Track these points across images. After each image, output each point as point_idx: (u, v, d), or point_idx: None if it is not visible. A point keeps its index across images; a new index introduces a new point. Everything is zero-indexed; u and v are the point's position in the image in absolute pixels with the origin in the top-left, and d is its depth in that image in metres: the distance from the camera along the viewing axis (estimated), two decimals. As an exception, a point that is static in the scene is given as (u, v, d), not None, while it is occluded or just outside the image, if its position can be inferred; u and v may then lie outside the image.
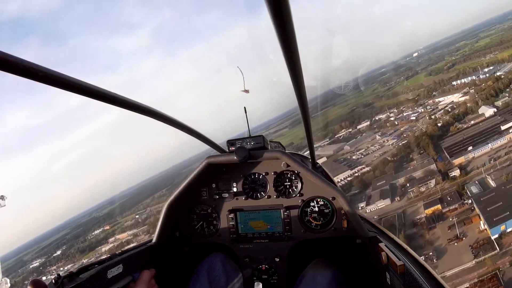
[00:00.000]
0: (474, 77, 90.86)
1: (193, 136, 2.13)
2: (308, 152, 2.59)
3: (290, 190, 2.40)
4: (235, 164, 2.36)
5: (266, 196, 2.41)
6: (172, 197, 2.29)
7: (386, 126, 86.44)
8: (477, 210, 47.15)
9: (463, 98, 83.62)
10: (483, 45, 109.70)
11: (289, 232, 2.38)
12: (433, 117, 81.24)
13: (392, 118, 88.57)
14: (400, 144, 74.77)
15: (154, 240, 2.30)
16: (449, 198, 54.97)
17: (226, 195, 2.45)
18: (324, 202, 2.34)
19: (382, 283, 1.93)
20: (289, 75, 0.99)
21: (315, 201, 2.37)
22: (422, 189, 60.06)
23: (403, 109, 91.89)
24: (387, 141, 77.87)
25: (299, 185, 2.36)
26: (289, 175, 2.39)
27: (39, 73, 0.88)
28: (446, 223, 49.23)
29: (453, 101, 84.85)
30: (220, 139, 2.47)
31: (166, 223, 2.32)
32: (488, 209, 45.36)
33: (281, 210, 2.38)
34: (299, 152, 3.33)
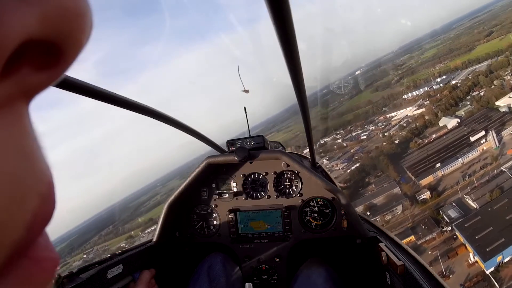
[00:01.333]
0: (426, 88, 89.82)
1: (193, 136, 2.16)
2: (308, 152, 2.60)
3: (290, 190, 2.40)
4: (235, 164, 2.37)
5: (266, 196, 2.41)
6: (172, 197, 2.28)
7: (334, 149, 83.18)
8: (461, 238, 41.22)
9: (418, 111, 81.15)
10: (431, 56, 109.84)
11: (289, 232, 2.38)
12: (387, 134, 78.07)
13: (339, 140, 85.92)
14: (352, 167, 70.89)
15: (154, 240, 2.28)
16: (423, 227, 50.37)
17: (226, 195, 2.43)
18: (324, 202, 2.36)
19: (382, 283, 1.93)
20: (289, 75, 0.99)
21: (315, 201, 2.38)
22: (388, 217, 55.06)
23: (351, 128, 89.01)
24: (336, 165, 73.56)
25: (299, 185, 2.37)
26: (289, 175, 2.40)
27: None
28: (425, 257, 40.87)
29: (407, 115, 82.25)
30: (220, 139, 2.49)
31: (166, 223, 2.30)
32: (476, 237, 39.30)
33: (281, 210, 2.38)
34: (299, 152, 3.33)
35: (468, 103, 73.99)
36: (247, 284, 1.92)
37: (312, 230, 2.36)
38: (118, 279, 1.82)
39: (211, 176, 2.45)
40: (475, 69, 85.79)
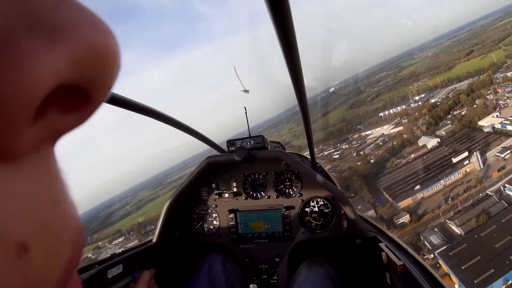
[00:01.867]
0: (404, 106, 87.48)
1: (193, 136, 2.16)
2: (308, 152, 2.61)
3: (290, 190, 2.41)
4: (235, 164, 2.36)
5: (266, 196, 2.42)
6: (172, 197, 2.28)
7: (303, 169, 75.38)
8: (445, 268, 36.84)
9: (395, 130, 78.64)
10: (408, 74, 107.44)
11: (289, 232, 2.38)
12: (361, 153, 76.00)
13: (310, 159, 77.51)
14: (323, 188, 62.88)
15: (154, 240, 2.27)
16: (402, 254, 43.34)
17: (226, 195, 2.44)
18: (324, 202, 2.36)
19: (382, 283, 1.93)
20: (289, 75, 0.99)
21: (315, 201, 2.38)
22: (361, 243, 48.07)
23: (323, 147, 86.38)
24: (306, 186, 65.46)
25: (299, 185, 2.38)
26: (289, 175, 2.41)
27: None
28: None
29: (383, 133, 79.60)
30: (221, 140, 2.49)
31: (166, 223, 2.29)
32: (462, 267, 35.33)
33: (281, 210, 2.38)
34: (299, 152, 3.34)
35: (449, 122, 71.72)
36: (251, 286, 2.01)
37: (312, 230, 2.36)
38: (118, 279, 1.80)
39: (211, 176, 2.45)
40: (455, 87, 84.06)
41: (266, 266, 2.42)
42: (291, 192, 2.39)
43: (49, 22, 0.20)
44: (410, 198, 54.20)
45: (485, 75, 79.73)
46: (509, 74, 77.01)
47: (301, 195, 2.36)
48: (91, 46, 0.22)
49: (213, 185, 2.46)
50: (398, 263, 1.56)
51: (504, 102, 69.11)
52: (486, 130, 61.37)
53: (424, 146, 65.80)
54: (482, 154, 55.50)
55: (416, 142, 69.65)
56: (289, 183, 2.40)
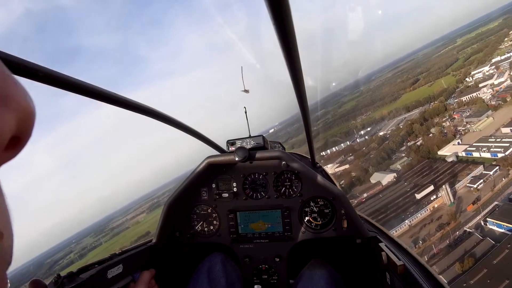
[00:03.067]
0: (349, 142, 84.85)
1: (193, 136, 2.15)
2: (308, 152, 2.62)
3: (290, 190, 2.39)
4: (235, 164, 2.35)
5: (266, 196, 2.40)
6: (172, 197, 2.25)
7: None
8: None
9: (341, 168, 74.97)
10: (350, 108, 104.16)
11: (289, 232, 2.37)
12: None
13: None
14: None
15: (154, 240, 2.25)
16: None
17: (226, 195, 2.41)
18: (324, 202, 2.35)
19: (382, 283, 1.94)
20: (289, 75, 1.00)
21: (315, 201, 2.37)
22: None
23: None
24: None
25: (299, 185, 2.37)
26: (289, 175, 2.40)
27: (39, 73, 0.90)
28: None
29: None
30: (220, 140, 2.46)
31: (166, 223, 2.27)
32: None
33: (281, 210, 2.37)
34: (299, 152, 3.33)
35: (404, 154, 68.25)
36: (256, 287, 2.09)
37: (312, 230, 2.34)
38: (118, 279, 1.80)
39: (211, 176, 2.43)
40: (405, 117, 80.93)
41: (266, 266, 2.38)
42: (291, 192, 2.36)
43: (2, 93, 0.35)
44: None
45: (437, 102, 78.06)
46: (463, 98, 75.49)
47: (301, 195, 2.33)
48: (25, 110, 0.38)
49: (213, 185, 2.43)
50: (398, 263, 1.56)
51: (464, 128, 66.84)
52: (449, 159, 58.77)
53: (379, 183, 62.13)
54: (451, 186, 52.47)
55: (368, 179, 65.93)
56: (289, 183, 2.37)
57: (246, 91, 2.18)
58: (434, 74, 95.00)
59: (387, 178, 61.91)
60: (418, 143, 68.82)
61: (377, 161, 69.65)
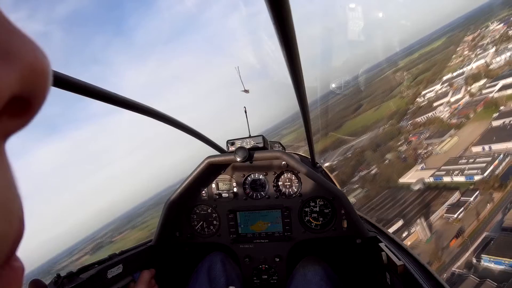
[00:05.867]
0: None
1: (193, 136, 2.17)
2: (308, 152, 2.65)
3: (290, 190, 2.40)
4: (235, 164, 2.38)
5: (266, 196, 2.41)
6: (172, 197, 2.26)
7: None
8: None
9: None
10: (290, 141, 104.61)
11: (289, 232, 2.38)
12: None
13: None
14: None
15: (154, 240, 2.26)
16: None
17: (226, 195, 2.43)
18: (324, 202, 2.36)
19: (382, 283, 1.95)
20: (289, 75, 1.01)
21: (315, 201, 2.38)
22: None
23: None
24: None
25: (299, 185, 2.38)
26: (289, 175, 2.41)
27: None
28: None
29: None
30: (220, 140, 2.45)
31: (166, 223, 2.27)
32: None
33: (281, 210, 2.38)
34: (299, 152, 3.33)
35: (357, 185, 62.28)
36: None
37: (312, 230, 2.35)
38: (118, 279, 1.82)
39: (211, 176, 2.43)
40: (352, 145, 77.19)
41: (266, 266, 2.39)
42: (291, 192, 2.37)
43: (3, 47, 0.28)
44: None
45: (387, 126, 73.86)
46: (418, 119, 71.61)
47: (301, 195, 2.34)
48: (32, 66, 0.30)
49: (213, 185, 2.44)
50: (398, 263, 1.57)
51: (425, 151, 62.09)
52: (415, 187, 53.09)
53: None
54: (425, 218, 46.62)
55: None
56: (289, 183, 2.38)
57: (246, 91, 2.22)
58: (379, 98, 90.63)
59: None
60: (373, 172, 62.09)
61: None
